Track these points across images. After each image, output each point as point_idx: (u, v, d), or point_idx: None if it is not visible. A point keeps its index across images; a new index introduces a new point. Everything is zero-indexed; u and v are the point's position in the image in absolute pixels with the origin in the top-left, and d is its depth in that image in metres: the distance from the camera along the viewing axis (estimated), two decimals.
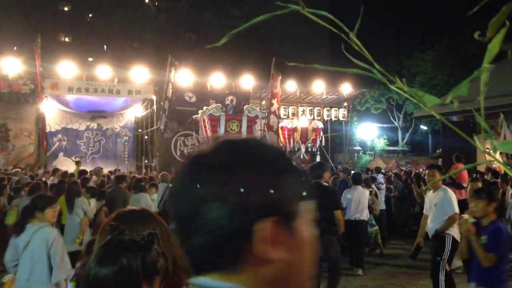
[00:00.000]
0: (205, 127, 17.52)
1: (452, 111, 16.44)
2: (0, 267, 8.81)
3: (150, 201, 8.85)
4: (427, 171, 6.69)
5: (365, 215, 9.02)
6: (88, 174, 12.32)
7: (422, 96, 0.97)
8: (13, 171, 13.93)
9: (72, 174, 12.34)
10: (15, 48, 24.82)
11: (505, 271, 4.27)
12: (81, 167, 17.06)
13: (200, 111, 18.32)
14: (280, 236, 0.77)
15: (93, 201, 8.46)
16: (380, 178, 12.41)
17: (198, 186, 0.79)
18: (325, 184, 6.90)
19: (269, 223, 0.76)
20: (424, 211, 6.58)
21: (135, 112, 22.63)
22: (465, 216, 4.44)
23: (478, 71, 0.96)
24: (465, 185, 9.95)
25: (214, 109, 17.17)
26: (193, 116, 19.66)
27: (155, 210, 8.91)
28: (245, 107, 18.69)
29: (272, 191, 0.78)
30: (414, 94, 0.98)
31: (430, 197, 6.33)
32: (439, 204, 6.06)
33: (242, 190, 0.76)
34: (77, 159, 20.53)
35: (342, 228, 6.86)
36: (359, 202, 8.75)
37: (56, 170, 14.26)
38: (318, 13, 1.00)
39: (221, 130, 16.83)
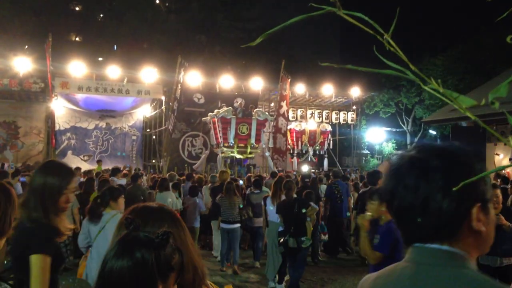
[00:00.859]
0: (215, 129, 17.76)
1: (461, 116, 16.34)
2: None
3: (175, 199, 9.27)
4: None
5: None
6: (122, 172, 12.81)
7: (456, 97, 0.99)
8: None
9: (98, 173, 12.81)
10: (26, 47, 25.03)
11: None
12: (89, 166, 17.25)
13: (210, 114, 18.47)
14: (481, 216, 1.13)
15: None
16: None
17: (424, 184, 1.13)
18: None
19: (478, 207, 1.13)
20: None
21: (144, 112, 22.73)
22: (367, 213, 4.55)
23: None
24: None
25: (226, 112, 17.46)
26: (203, 119, 19.75)
27: (180, 207, 9.38)
28: (255, 110, 18.75)
29: (480, 185, 1.13)
30: (449, 95, 0.99)
31: None
32: None
33: (460, 186, 1.03)
34: (86, 157, 20.69)
35: None
36: None
37: (77, 168, 14.49)
38: (353, 15, 1.00)
39: (232, 132, 17.16)
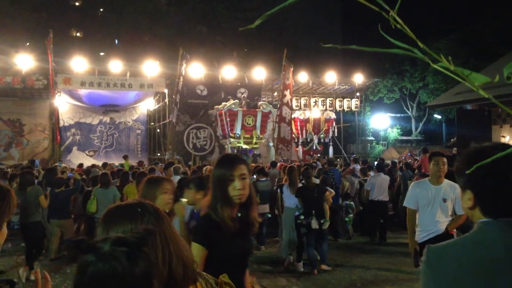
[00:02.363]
0: (222, 121, 18.57)
1: (466, 99, 16.24)
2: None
3: None
4: (436, 160, 5.23)
5: (386, 196, 10.47)
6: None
7: (468, 74, 0.94)
8: (62, 165, 14.39)
9: (131, 167, 13.70)
10: (28, 44, 25.03)
11: None
12: (94, 161, 17.32)
13: (216, 107, 19.16)
14: None
15: None
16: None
17: None
18: None
19: None
20: (412, 206, 5.35)
21: (147, 105, 22.72)
22: (183, 199, 4.78)
23: None
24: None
25: (233, 105, 18.33)
26: (209, 112, 20.09)
27: None
28: (259, 103, 19.15)
29: None
30: (460, 73, 0.95)
31: (432, 191, 5.21)
32: (452, 200, 5.12)
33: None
34: (91, 153, 20.71)
35: None
36: (381, 186, 10.19)
37: (105, 164, 14.72)
38: None
39: (238, 124, 18.14)
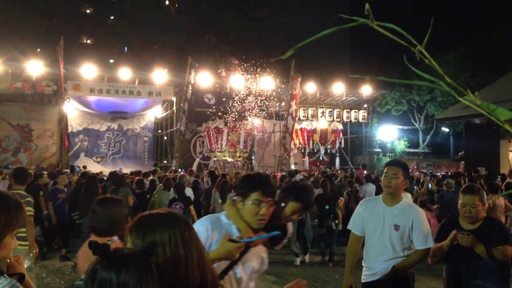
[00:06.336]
0: (209, 136, 20.46)
1: (474, 113, 16.19)
2: None
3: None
4: (386, 170, 3.75)
5: None
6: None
7: (494, 109, 0.95)
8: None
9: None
10: (39, 50, 25.27)
11: None
12: (101, 167, 17.34)
13: (204, 124, 21.19)
14: None
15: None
16: (298, 178, 12.79)
17: None
18: None
19: None
20: (356, 231, 3.90)
21: (155, 113, 22.82)
22: None
23: None
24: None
25: (219, 123, 20.42)
26: (198, 128, 21.89)
27: None
28: (243, 121, 21.11)
29: None
30: (486, 108, 0.95)
31: (381, 212, 3.74)
32: (408, 228, 3.64)
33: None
34: (98, 159, 20.75)
35: None
36: (371, 193, 11.74)
37: (155, 171, 14.83)
38: (385, 26, 0.99)
39: (224, 139, 20.21)
